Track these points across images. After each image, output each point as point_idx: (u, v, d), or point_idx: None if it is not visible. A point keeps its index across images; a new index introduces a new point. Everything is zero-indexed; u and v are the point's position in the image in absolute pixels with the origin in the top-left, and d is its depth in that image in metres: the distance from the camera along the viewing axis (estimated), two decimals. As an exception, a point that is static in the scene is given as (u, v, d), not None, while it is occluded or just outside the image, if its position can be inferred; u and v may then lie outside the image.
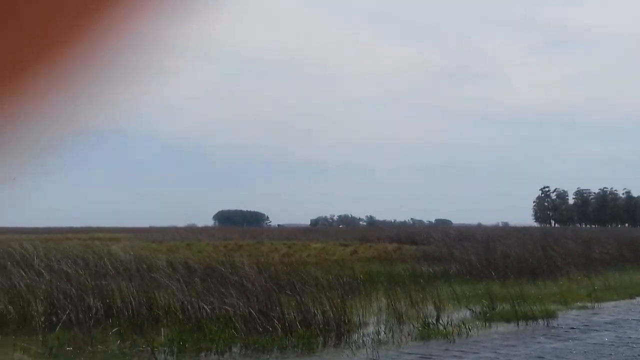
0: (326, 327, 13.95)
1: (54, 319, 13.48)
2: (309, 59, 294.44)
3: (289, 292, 15.76)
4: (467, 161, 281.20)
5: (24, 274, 16.75)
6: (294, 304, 14.57)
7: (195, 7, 1.31)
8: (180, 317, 14.13)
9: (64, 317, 13.40)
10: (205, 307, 14.30)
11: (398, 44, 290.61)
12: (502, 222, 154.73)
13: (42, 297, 14.33)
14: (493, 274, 22.92)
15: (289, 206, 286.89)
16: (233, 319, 13.77)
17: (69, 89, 1.27)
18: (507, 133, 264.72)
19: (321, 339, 13.39)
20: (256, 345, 12.56)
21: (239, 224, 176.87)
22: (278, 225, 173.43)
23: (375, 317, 15.73)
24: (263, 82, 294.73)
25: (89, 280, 16.10)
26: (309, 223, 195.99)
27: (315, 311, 14.23)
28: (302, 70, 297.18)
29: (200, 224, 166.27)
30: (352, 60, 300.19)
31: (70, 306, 13.86)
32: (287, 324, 13.57)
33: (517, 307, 16.04)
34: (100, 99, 1.35)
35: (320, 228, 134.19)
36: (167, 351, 11.87)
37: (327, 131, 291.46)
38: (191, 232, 75.02)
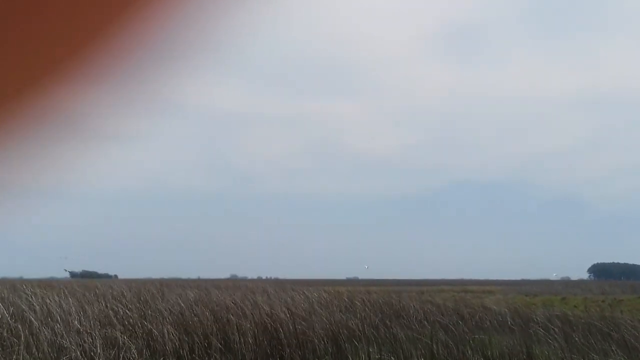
0: None
1: (433, 371, 13.72)
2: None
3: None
4: None
5: (405, 325, 17.39)
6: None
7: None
8: (561, 374, 13.58)
9: (445, 369, 13.59)
10: (587, 365, 13.59)
11: None
12: None
13: (422, 349, 14.68)
14: None
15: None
16: (617, 378, 12.93)
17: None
18: None
19: None
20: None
21: (616, 277, 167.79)
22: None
23: None
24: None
25: (466, 333, 16.20)
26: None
27: None
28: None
29: (574, 277, 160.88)
30: None
31: (449, 358, 14.02)
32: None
33: None
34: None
35: None
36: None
37: None
38: (565, 286, 72.66)
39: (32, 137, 1.19)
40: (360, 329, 16.58)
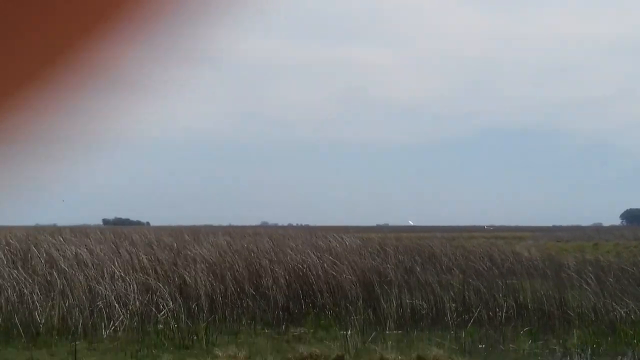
0: None
1: (465, 316, 13.73)
2: None
3: None
4: None
5: (437, 271, 17.47)
6: None
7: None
8: (593, 319, 13.53)
9: (475, 314, 13.59)
10: (620, 309, 13.52)
11: None
12: None
13: (453, 295, 14.70)
14: None
15: None
16: (650, 322, 12.88)
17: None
18: None
19: None
20: (678, 353, 11.57)
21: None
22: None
23: None
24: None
25: (498, 278, 16.19)
26: None
27: None
28: None
29: (606, 223, 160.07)
30: None
31: (480, 304, 14.03)
32: None
33: None
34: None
35: None
36: (580, 354, 11.40)
37: None
38: (597, 232, 72.39)
39: (76, 91, 1.19)
40: (392, 274, 16.64)
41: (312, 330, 13.10)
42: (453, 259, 21.53)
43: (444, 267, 19.28)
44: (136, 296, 13.55)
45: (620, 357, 11.40)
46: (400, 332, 12.92)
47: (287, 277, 15.28)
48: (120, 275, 14.56)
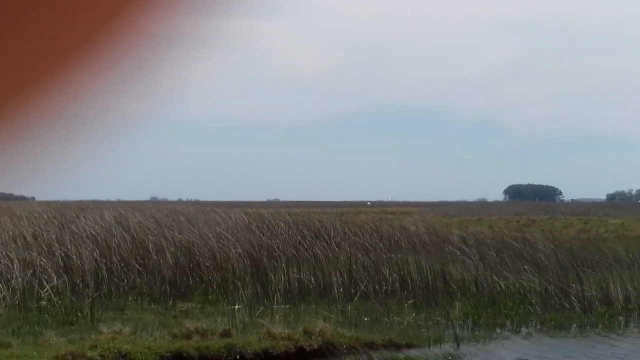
0: (627, 306, 13.15)
1: (351, 289, 13.98)
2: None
3: (587, 269, 15.06)
4: None
5: (325, 246, 17.66)
6: (593, 280, 13.90)
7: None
8: (475, 291, 14.04)
9: (362, 288, 13.86)
10: (500, 282, 14.08)
11: None
12: None
13: (340, 269, 14.92)
14: None
15: (584, 180, 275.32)
16: (528, 295, 13.45)
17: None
18: None
19: (622, 318, 12.62)
20: (553, 323, 12.17)
21: (530, 198, 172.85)
22: (571, 200, 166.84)
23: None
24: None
25: (384, 253, 16.54)
26: (604, 198, 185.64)
27: (616, 289, 13.47)
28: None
29: (490, 199, 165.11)
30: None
31: (367, 278, 14.31)
32: (585, 302, 12.98)
33: None
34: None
35: (618, 203, 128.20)
36: (462, 325, 11.80)
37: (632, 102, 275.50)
38: (481, 207, 74.73)
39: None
40: (281, 249, 16.74)
41: (199, 306, 13.07)
42: (342, 233, 21.80)
43: (332, 242, 19.49)
44: (18, 272, 13.15)
45: (499, 327, 11.88)
46: (288, 306, 13.03)
47: (174, 252, 15.15)
48: (1, 250, 14.09)
